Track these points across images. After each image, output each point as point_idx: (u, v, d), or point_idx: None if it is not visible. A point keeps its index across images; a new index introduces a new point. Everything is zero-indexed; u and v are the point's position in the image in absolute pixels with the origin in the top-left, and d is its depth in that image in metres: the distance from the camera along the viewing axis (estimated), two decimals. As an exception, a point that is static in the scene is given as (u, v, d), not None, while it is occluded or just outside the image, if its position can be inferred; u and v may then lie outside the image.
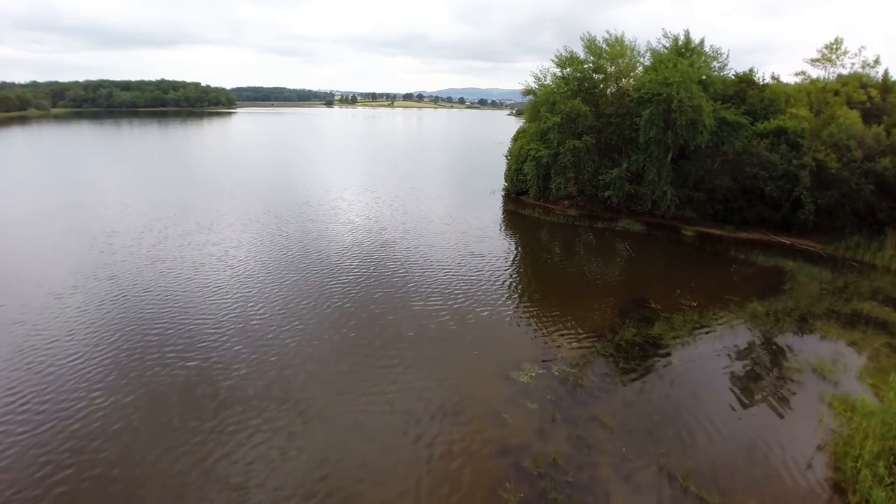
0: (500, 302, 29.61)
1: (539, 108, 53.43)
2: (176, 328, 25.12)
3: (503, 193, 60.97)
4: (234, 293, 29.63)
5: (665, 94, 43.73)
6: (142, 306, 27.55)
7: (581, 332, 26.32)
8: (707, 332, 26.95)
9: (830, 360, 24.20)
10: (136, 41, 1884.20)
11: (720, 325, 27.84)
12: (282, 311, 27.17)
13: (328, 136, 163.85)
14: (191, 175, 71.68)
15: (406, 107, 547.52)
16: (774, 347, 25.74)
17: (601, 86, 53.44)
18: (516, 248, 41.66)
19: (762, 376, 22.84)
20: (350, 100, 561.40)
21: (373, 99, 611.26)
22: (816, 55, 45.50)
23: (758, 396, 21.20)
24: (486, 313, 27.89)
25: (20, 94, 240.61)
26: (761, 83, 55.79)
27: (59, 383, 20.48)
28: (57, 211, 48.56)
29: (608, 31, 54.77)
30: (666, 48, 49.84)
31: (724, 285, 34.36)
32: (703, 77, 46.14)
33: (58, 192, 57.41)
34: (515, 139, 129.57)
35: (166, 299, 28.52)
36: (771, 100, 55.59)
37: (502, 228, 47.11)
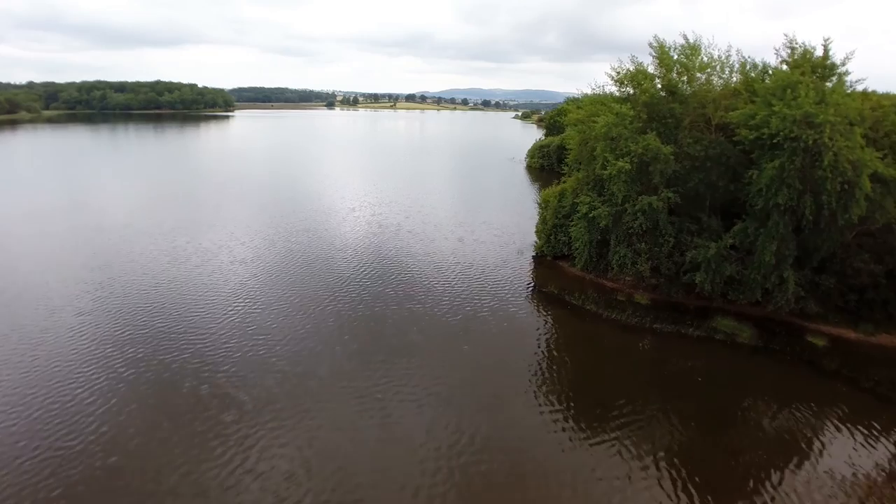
0: None
1: (594, 144, 37.45)
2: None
3: (534, 254, 44.88)
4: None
5: (810, 141, 27.78)
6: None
7: None
8: None
9: None
10: (138, 41, 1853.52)
11: None
12: None
13: (323, 154, 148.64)
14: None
15: (408, 108, 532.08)
16: None
17: (679, 113, 37.54)
18: (570, 411, 25.78)
19: None
20: (351, 101, 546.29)
21: (375, 100, 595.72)
22: None
23: None
24: None
25: (10, 96, 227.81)
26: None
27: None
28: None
29: (684, 36, 38.73)
30: (786, 62, 33.72)
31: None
32: (857, 114, 30.00)
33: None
34: (532, 156, 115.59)
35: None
36: (886, 132, 39.61)
37: (540, 342, 30.95)
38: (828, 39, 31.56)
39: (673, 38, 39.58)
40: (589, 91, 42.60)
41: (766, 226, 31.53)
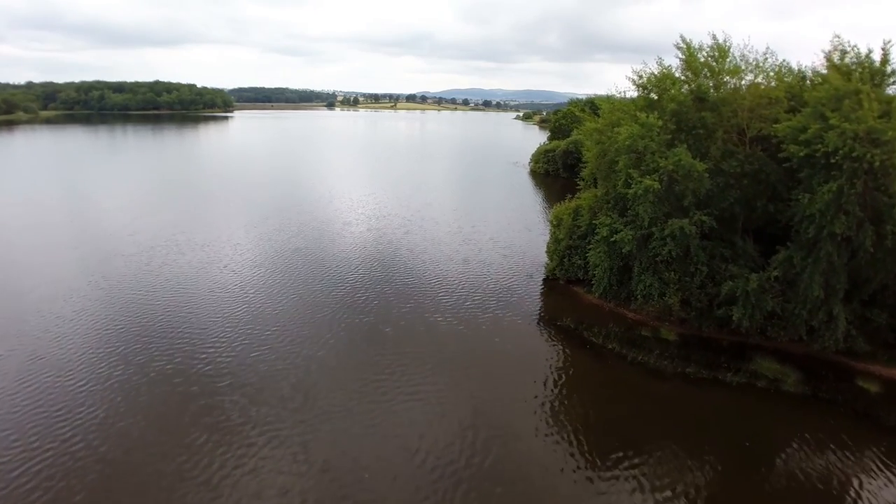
0: None
1: (616, 158, 33.44)
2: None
3: (544, 277, 40.85)
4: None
5: (876, 162, 23.75)
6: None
7: None
8: None
9: None
10: (139, 40, 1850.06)
11: None
12: None
13: (319, 157, 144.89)
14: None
15: (409, 108, 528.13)
16: None
17: (711, 123, 33.51)
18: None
19: None
20: (352, 101, 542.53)
21: (375, 100, 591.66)
22: None
23: None
24: None
25: (7, 96, 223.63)
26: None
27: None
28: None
29: (713, 35, 34.65)
30: (836, 66, 29.58)
31: None
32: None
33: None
34: (536, 160, 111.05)
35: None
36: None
37: (556, 391, 26.91)
38: (888, 42, 27.45)
39: (700, 39, 35.65)
40: (596, 93, 38.66)
41: (815, 255, 27.49)
